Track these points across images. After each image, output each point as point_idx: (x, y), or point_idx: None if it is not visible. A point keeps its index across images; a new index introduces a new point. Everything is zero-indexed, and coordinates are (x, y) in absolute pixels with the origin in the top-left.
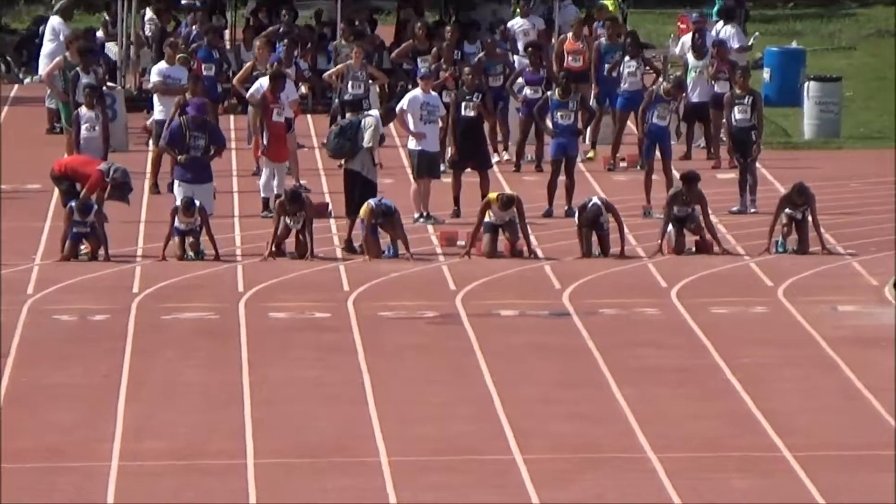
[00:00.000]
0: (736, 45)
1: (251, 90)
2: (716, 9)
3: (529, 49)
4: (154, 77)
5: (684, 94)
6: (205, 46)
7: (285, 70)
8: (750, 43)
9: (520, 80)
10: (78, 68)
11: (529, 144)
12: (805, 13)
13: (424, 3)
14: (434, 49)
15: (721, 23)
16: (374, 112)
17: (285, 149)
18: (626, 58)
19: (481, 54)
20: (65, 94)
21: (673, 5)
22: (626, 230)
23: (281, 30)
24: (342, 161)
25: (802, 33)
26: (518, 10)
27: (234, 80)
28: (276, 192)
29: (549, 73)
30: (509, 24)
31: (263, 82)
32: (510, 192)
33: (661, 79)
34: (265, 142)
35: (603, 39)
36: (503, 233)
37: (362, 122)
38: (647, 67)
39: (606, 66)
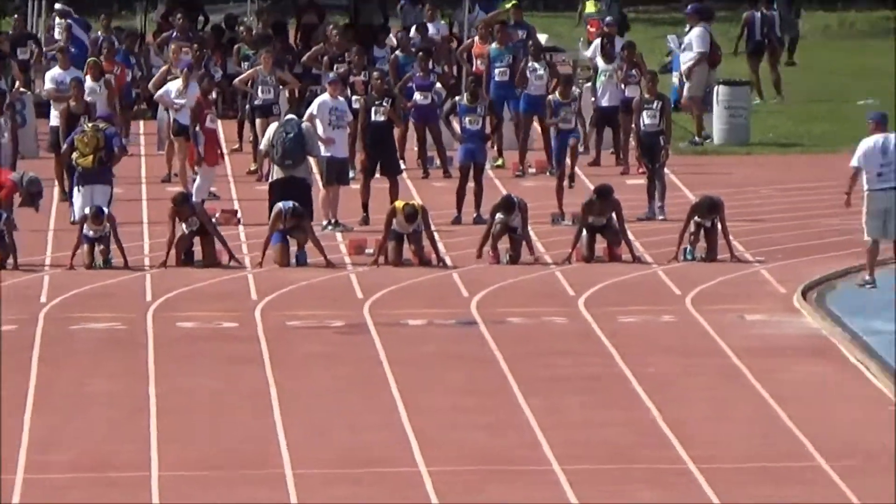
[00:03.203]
0: (698, 49)
1: (159, 92)
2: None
3: (420, 53)
4: (47, 84)
5: (580, 93)
6: (122, 51)
7: (197, 73)
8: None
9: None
10: None
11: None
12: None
13: (328, 9)
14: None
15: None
16: (293, 116)
17: (216, 153)
18: (531, 61)
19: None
20: None
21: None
22: (533, 236)
23: (174, 34)
24: (269, 169)
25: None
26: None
27: (150, 85)
28: (206, 195)
29: (440, 78)
30: (412, 32)
31: (172, 86)
32: (414, 202)
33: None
34: (200, 148)
35: (493, 44)
36: (408, 243)
37: (303, 129)
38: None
39: (497, 70)
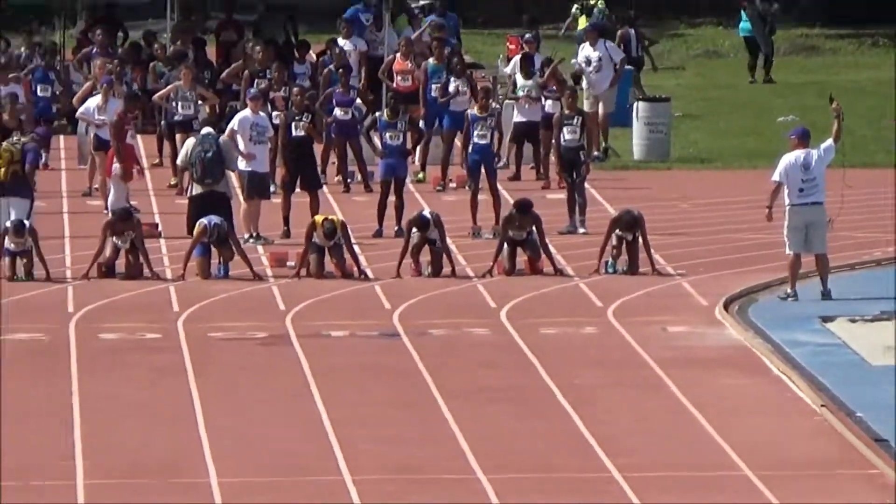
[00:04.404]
0: (616, 59)
1: (81, 109)
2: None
3: (340, 70)
4: None
5: (500, 109)
6: (42, 67)
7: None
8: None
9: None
10: None
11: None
12: None
13: (245, 25)
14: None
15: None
16: (210, 131)
17: (131, 169)
18: (453, 78)
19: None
20: None
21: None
22: (454, 250)
23: (94, 50)
24: (189, 183)
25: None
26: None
27: (74, 100)
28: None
29: (359, 94)
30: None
31: (91, 103)
32: (333, 217)
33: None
34: (117, 162)
35: (431, 60)
36: (330, 256)
37: (221, 145)
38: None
39: (434, 86)
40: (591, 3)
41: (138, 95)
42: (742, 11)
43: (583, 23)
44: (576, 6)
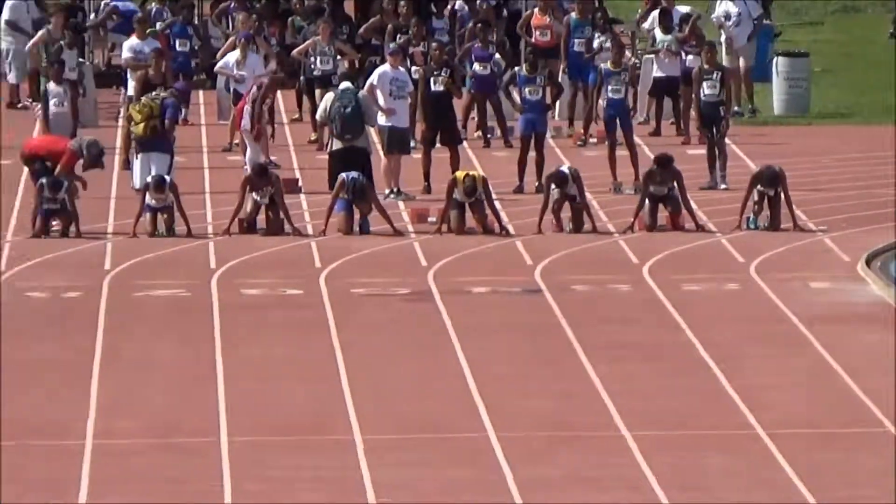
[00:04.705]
0: (756, 14)
1: (220, 64)
2: None
3: (478, 25)
4: (125, 53)
5: (634, 64)
6: (180, 22)
7: (262, 43)
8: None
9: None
10: (62, 42)
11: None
12: None
13: None
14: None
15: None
16: (349, 86)
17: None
18: (598, 33)
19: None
20: (47, 67)
21: None
22: (595, 205)
23: (232, 5)
24: (329, 138)
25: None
26: None
27: (219, 55)
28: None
29: (499, 49)
30: (457, 6)
31: (231, 57)
32: (474, 173)
33: (616, 55)
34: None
35: (573, 14)
36: (471, 212)
37: (360, 100)
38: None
39: (576, 41)
40: None
41: (283, 80)
42: None
43: None
44: None
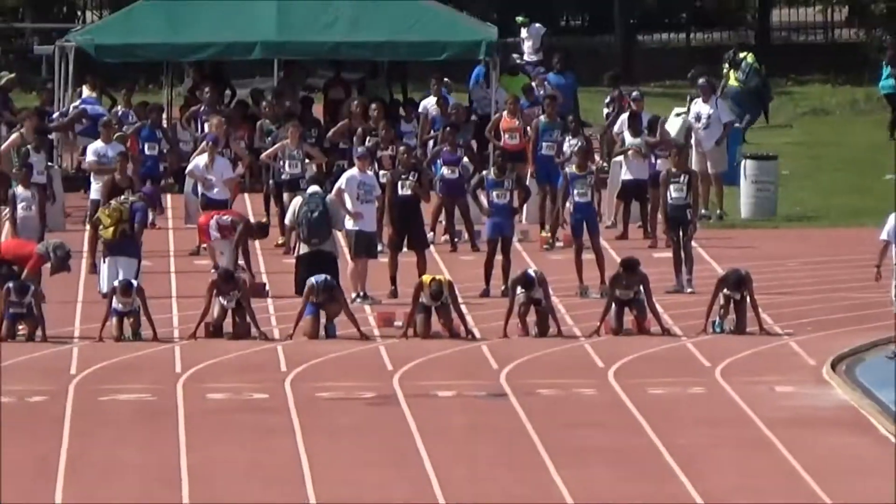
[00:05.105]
0: (725, 120)
1: (190, 166)
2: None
3: (447, 129)
4: (90, 157)
5: (601, 168)
6: (148, 126)
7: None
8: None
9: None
10: (30, 146)
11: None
12: None
13: (353, 83)
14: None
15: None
16: (317, 190)
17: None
18: (569, 137)
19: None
20: (16, 171)
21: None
22: (561, 309)
23: (202, 108)
24: (296, 242)
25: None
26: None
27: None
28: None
29: (467, 152)
30: (423, 104)
31: (200, 161)
32: (440, 278)
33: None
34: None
35: (542, 117)
36: (437, 316)
37: (328, 204)
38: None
39: (545, 144)
40: (741, 56)
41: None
42: (885, 67)
43: (732, 78)
44: (725, 62)
